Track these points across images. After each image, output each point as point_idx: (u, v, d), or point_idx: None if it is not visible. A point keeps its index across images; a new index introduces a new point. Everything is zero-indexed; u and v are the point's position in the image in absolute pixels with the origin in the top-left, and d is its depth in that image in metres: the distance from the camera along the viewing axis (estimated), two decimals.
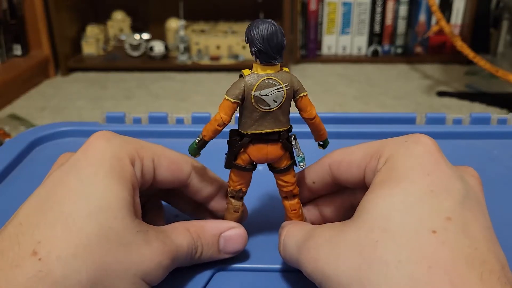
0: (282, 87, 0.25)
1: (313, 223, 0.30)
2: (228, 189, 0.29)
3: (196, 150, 0.26)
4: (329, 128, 0.45)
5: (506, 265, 0.21)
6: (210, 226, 0.28)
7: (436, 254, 0.20)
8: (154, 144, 0.28)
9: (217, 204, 0.30)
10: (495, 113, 0.46)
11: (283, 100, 0.26)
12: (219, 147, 0.29)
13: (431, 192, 0.22)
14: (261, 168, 0.30)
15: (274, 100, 0.25)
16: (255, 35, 0.24)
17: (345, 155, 0.27)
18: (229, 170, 0.28)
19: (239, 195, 0.29)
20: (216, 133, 0.26)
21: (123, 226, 0.23)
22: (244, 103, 0.25)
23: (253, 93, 0.25)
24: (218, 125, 0.25)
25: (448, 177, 0.23)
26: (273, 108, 0.25)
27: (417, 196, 0.22)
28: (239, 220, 0.29)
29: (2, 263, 0.21)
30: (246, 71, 0.25)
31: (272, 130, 0.26)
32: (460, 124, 0.46)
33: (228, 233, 0.28)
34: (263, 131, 0.26)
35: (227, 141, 0.27)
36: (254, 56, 0.25)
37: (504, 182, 0.38)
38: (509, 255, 0.24)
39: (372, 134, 0.44)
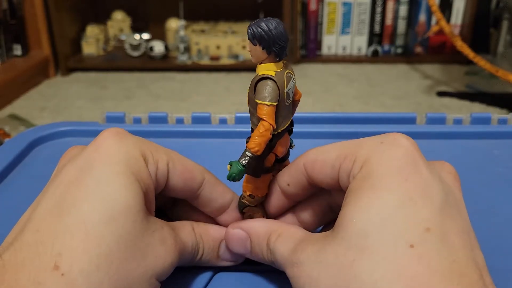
0: (294, 77, 0.25)
1: None
2: (251, 200, 0.27)
3: (243, 172, 0.24)
4: (329, 128, 0.45)
5: (485, 270, 0.21)
6: (213, 229, 0.27)
7: (413, 271, 0.19)
8: (168, 149, 0.27)
9: (229, 217, 0.29)
10: (495, 113, 0.46)
11: (295, 89, 0.26)
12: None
13: (410, 200, 0.21)
14: None
15: (292, 91, 0.25)
16: (276, 33, 0.23)
17: (319, 154, 0.25)
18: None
19: (263, 200, 0.27)
20: (266, 144, 0.24)
21: (141, 229, 0.23)
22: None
23: (285, 90, 0.24)
24: (270, 134, 0.24)
25: (427, 181, 0.22)
26: (291, 100, 0.26)
27: (394, 206, 0.21)
28: None
29: (24, 280, 0.20)
30: (270, 72, 0.24)
31: (290, 120, 0.26)
32: (460, 124, 0.46)
33: None
34: (287, 124, 0.26)
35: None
36: (272, 54, 0.24)
37: (504, 182, 0.38)
38: (510, 255, 0.24)
39: (372, 134, 0.44)
